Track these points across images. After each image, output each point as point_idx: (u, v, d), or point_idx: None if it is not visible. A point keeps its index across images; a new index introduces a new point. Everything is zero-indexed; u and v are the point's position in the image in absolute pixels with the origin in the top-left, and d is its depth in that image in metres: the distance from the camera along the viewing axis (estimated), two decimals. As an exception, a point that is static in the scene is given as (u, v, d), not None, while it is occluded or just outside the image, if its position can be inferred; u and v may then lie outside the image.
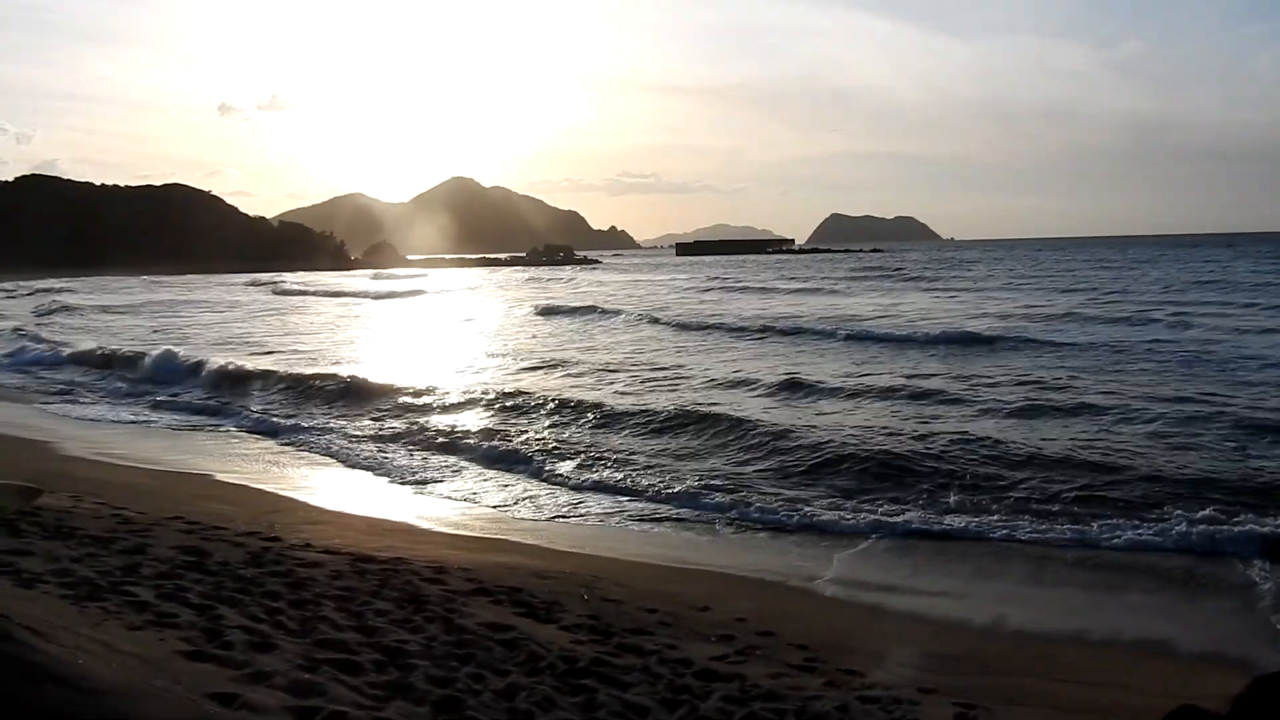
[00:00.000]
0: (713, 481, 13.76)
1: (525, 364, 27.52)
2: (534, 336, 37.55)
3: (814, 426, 17.13)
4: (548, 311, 49.05)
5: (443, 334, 42.03)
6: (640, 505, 12.84)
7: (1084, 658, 7.68)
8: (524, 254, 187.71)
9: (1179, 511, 11.30)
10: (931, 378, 22.70)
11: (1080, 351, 27.00)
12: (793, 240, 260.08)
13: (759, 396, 20.88)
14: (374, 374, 24.25)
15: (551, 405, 19.42)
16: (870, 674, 6.96)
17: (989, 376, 22.65)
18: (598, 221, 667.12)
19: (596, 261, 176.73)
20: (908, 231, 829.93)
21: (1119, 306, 42.67)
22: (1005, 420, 17.39)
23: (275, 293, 78.18)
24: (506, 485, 14.12)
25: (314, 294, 75.76)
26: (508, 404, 19.84)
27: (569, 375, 25.07)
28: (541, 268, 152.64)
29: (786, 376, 22.78)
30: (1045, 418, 17.38)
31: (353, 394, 21.46)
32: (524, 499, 13.36)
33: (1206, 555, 10.16)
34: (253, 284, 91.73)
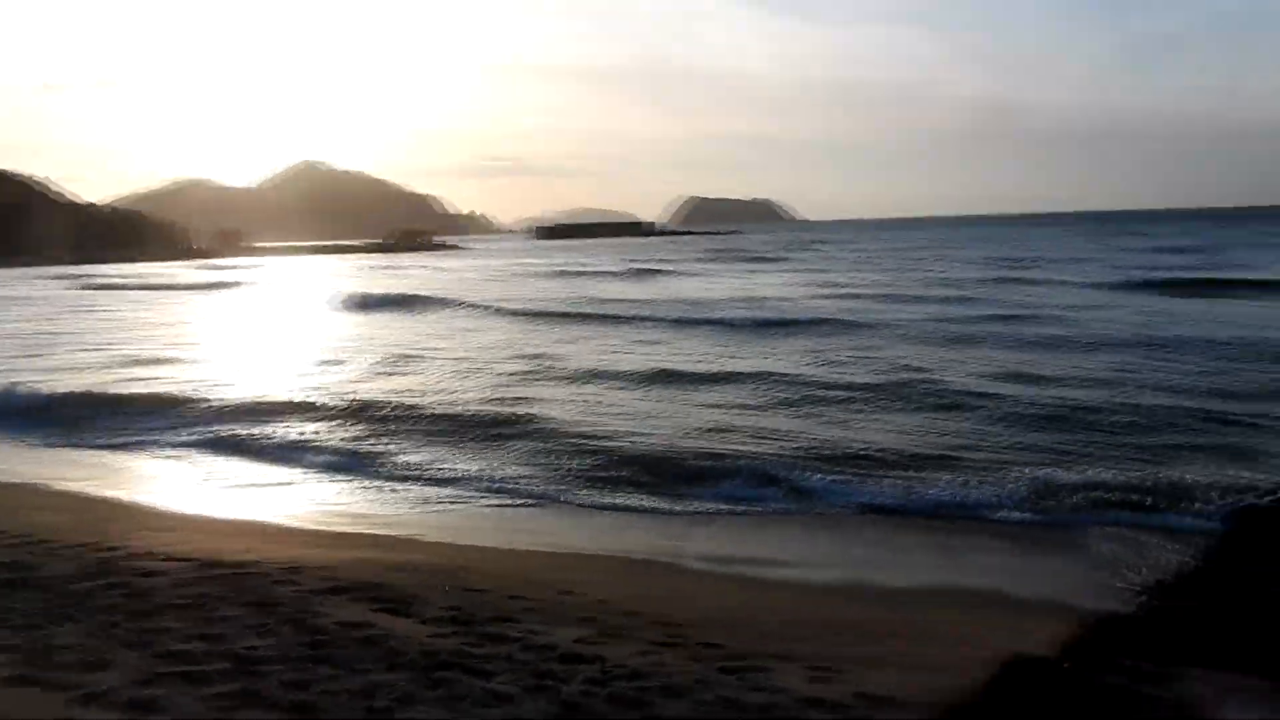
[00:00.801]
0: (568, 466, 13.74)
1: (351, 362, 25.85)
2: (359, 329, 35.54)
3: (674, 408, 17.41)
4: (369, 304, 45.90)
5: (251, 330, 38.97)
6: (498, 495, 12.69)
7: (933, 616, 8.02)
8: (380, 240, 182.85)
9: (1017, 477, 11.89)
10: (767, 358, 23.33)
11: (912, 328, 28.24)
12: (653, 223, 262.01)
13: (614, 385, 20.78)
14: (185, 376, 22.96)
15: (383, 404, 18.48)
16: (730, 645, 7.08)
17: (825, 355, 23.46)
18: (458, 205, 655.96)
19: (456, 246, 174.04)
20: (766, 213, 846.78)
21: (953, 285, 44.88)
22: (852, 395, 17.98)
23: (85, 288, 70.60)
24: (357, 483, 13.63)
25: (127, 288, 68.64)
26: (340, 404, 18.66)
27: (398, 372, 23.75)
28: (399, 254, 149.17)
29: (649, 366, 22.76)
30: (890, 393, 18.05)
31: (163, 399, 19.68)
32: (378, 495, 13.00)
33: (1045, 517, 10.73)
34: (61, 278, 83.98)
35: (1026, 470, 12.18)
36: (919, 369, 20.78)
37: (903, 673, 6.15)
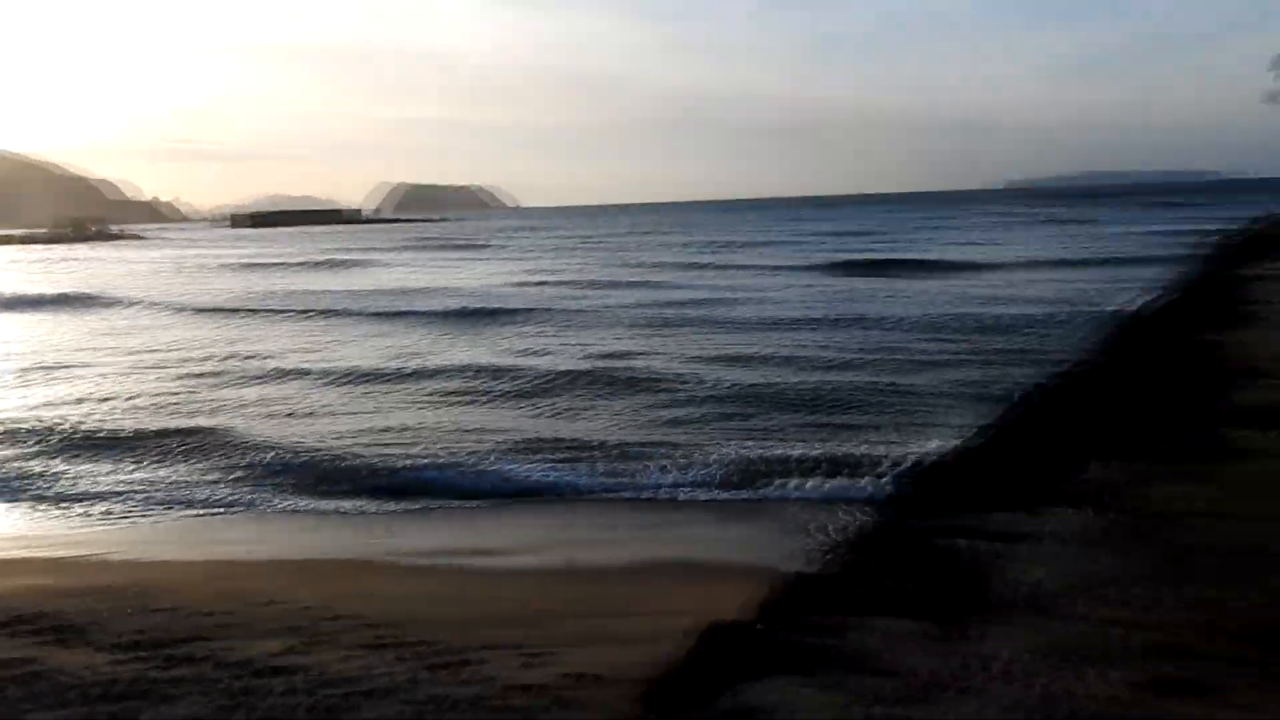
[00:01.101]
0: (263, 471, 12.95)
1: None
2: (9, 333, 31.26)
3: (376, 404, 16.95)
4: (21, 304, 40.09)
5: None
6: (187, 506, 11.77)
7: (642, 591, 8.28)
8: (44, 229, 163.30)
9: (717, 456, 12.49)
10: (473, 349, 23.29)
11: (619, 314, 29.15)
12: (359, 210, 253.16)
13: (309, 384, 19.71)
14: None
15: (42, 417, 16.54)
16: (443, 640, 6.95)
17: (531, 344, 23.77)
18: (144, 191, 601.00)
19: (138, 236, 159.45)
20: (482, 200, 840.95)
21: (659, 269, 46.70)
22: (560, 383, 18.19)
23: None
24: (15, 506, 12.08)
25: None
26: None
27: (60, 379, 21.17)
28: (69, 245, 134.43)
29: (347, 363, 21.87)
30: (597, 379, 18.38)
31: None
32: (44, 516, 11.58)
33: (743, 492, 11.32)
34: None
35: (726, 448, 12.83)
36: (624, 354, 21.41)
37: (611, 649, 6.29)
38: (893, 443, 12.73)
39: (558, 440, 13.76)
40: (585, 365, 20.00)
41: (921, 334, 22.91)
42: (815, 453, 12.34)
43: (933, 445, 11.72)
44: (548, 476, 12.08)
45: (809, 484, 11.25)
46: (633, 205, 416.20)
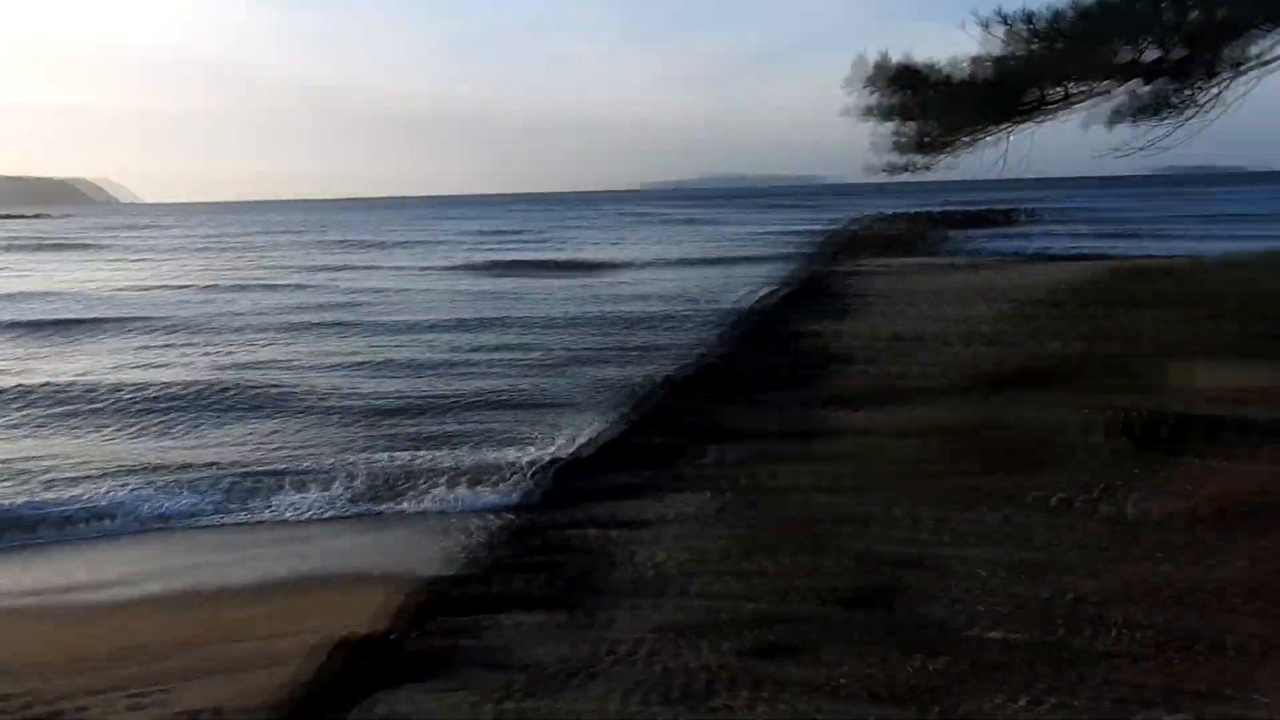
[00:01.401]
0: None
1: None
2: None
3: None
4: None
5: None
6: None
7: (271, 612, 7.75)
8: None
9: (351, 470, 11.86)
10: (64, 362, 20.74)
11: (245, 319, 27.21)
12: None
13: None
14: None
15: None
16: (31, 691, 6.10)
17: (140, 356, 21.55)
18: None
19: None
20: (84, 194, 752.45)
21: (290, 271, 44.35)
22: (173, 400, 16.37)
23: None
24: None
25: None
26: None
27: None
28: None
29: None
30: (218, 394, 16.80)
31: None
32: None
33: (378, 506, 10.83)
34: None
35: (364, 460, 12.33)
36: (253, 364, 19.97)
37: (233, 678, 5.83)
38: (533, 442, 12.90)
39: (176, 462, 12.52)
40: (207, 377, 18.31)
41: (559, 333, 23.51)
42: (456, 460, 12.21)
43: (570, 442, 12.07)
44: (163, 505, 10.95)
45: (450, 492, 11.09)
46: (270, 202, 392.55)
